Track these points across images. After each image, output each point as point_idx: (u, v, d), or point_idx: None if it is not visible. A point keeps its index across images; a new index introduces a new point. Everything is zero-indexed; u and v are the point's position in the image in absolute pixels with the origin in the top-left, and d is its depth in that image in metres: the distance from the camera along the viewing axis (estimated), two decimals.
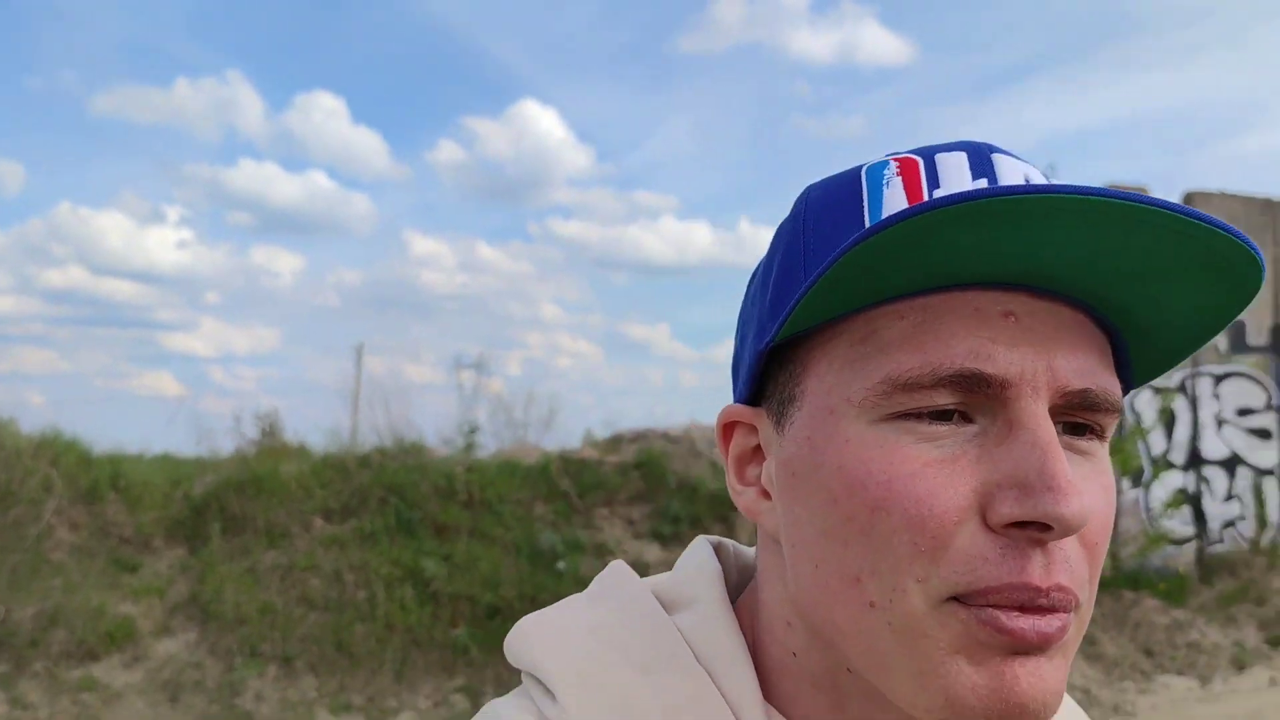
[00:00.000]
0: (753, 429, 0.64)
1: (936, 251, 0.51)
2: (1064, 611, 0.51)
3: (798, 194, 0.63)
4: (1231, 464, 8.64)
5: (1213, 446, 8.60)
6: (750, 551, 0.72)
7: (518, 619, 0.65)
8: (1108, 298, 0.55)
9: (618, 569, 0.68)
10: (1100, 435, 0.56)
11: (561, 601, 0.67)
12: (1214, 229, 0.49)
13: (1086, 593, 0.54)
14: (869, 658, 0.54)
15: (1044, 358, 0.52)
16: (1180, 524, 8.48)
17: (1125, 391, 0.59)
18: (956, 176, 0.56)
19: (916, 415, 0.53)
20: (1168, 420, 8.48)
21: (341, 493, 7.29)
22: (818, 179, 0.63)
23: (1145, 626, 7.75)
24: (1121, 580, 8.06)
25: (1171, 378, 8.51)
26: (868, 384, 0.54)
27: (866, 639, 0.54)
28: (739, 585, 0.69)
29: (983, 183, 0.56)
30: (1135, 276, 0.53)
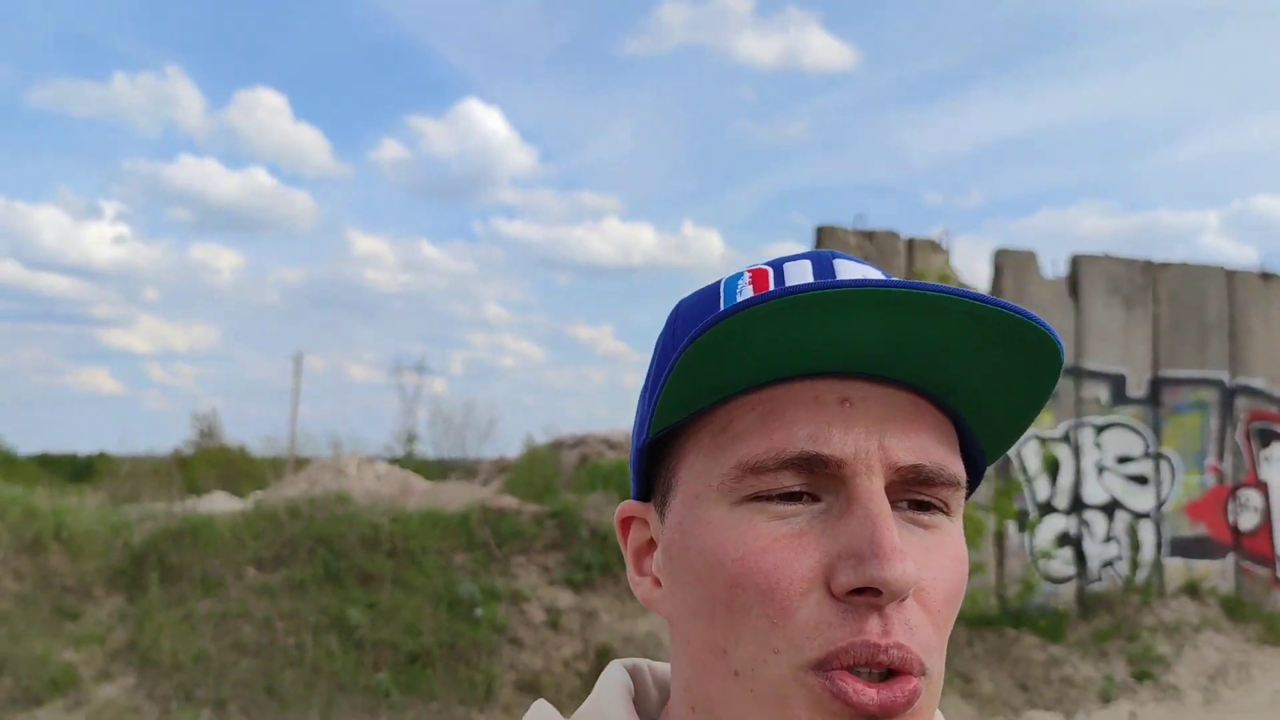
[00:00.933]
0: (645, 522, 0.69)
1: (765, 345, 0.57)
2: (907, 674, 0.55)
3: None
4: (1111, 508, 9.31)
5: (1093, 492, 9.26)
6: (667, 667, 0.74)
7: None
8: (935, 380, 0.60)
9: (538, 710, 0.71)
10: (945, 510, 0.61)
11: None
12: (1008, 312, 0.55)
13: (934, 659, 0.58)
14: None
15: (875, 438, 0.58)
16: (1062, 564, 9.14)
17: (981, 468, 0.66)
18: (800, 280, 0.62)
19: (768, 497, 0.58)
20: (1052, 467, 9.13)
21: (273, 543, 7.77)
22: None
23: (1023, 663, 8.39)
24: (1005, 619, 8.70)
25: (1057, 428, 9.15)
26: (724, 470, 0.60)
27: (734, 707, 0.59)
28: (660, 701, 0.73)
29: None
30: (947, 358, 0.58)
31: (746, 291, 0.63)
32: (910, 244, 8.82)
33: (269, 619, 7.36)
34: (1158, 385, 9.44)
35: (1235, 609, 9.35)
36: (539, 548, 8.08)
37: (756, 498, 0.58)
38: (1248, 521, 9.77)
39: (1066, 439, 9.19)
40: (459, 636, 7.32)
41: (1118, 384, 9.31)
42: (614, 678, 0.72)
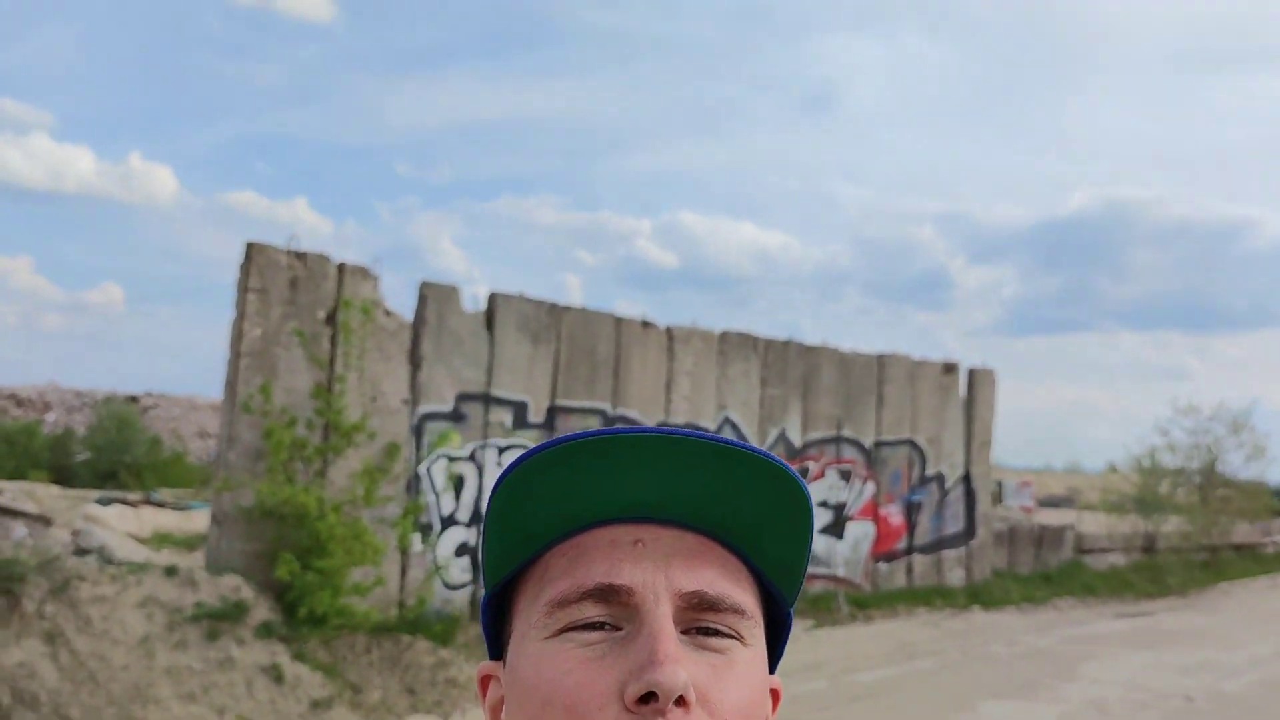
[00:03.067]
0: (499, 679, 0.77)
1: (551, 494, 0.69)
2: None
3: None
4: None
5: None
6: None
7: None
8: (714, 522, 0.71)
9: None
10: (738, 638, 0.70)
11: None
12: (743, 450, 0.67)
13: None
14: None
15: (662, 571, 0.68)
16: (460, 572, 10.03)
17: (785, 610, 0.77)
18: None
19: (576, 627, 0.68)
20: (457, 484, 9.96)
21: None
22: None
23: (414, 668, 9.03)
24: (403, 626, 9.32)
25: (465, 449, 10.00)
26: (540, 609, 0.70)
27: None
28: None
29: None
30: (715, 502, 0.70)
31: None
32: (341, 269, 9.04)
33: None
34: (554, 412, 10.69)
35: None
36: None
37: (568, 629, 0.68)
38: None
39: (472, 458, 10.08)
40: None
41: (520, 410, 10.40)
42: None
